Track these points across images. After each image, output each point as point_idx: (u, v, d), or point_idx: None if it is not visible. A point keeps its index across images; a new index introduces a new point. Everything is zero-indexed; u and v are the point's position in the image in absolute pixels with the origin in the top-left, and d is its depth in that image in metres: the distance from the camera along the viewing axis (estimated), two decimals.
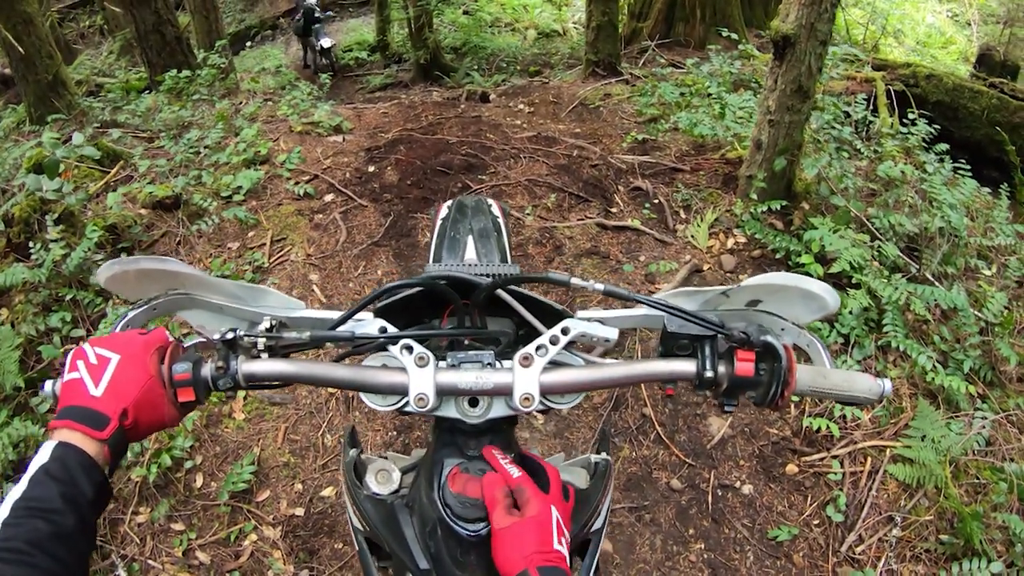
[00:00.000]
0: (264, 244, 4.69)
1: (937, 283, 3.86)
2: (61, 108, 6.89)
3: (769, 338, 1.10)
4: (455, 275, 1.25)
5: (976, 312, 3.70)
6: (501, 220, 2.01)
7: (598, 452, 1.50)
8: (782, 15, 4.15)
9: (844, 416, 3.44)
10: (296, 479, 3.34)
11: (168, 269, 1.17)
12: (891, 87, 6.48)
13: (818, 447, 3.37)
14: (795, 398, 1.12)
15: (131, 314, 1.21)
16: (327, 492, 3.28)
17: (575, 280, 1.16)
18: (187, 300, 1.23)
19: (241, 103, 7.23)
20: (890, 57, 9.24)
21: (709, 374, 1.13)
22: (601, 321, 1.19)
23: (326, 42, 11.25)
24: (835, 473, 3.24)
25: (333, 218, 4.96)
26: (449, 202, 2.07)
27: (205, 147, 5.67)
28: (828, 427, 3.33)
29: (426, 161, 5.65)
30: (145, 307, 1.22)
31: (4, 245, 4.12)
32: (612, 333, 1.18)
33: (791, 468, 3.29)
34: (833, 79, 6.30)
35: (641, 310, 1.21)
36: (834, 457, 3.31)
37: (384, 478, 1.31)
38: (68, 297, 3.91)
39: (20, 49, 6.63)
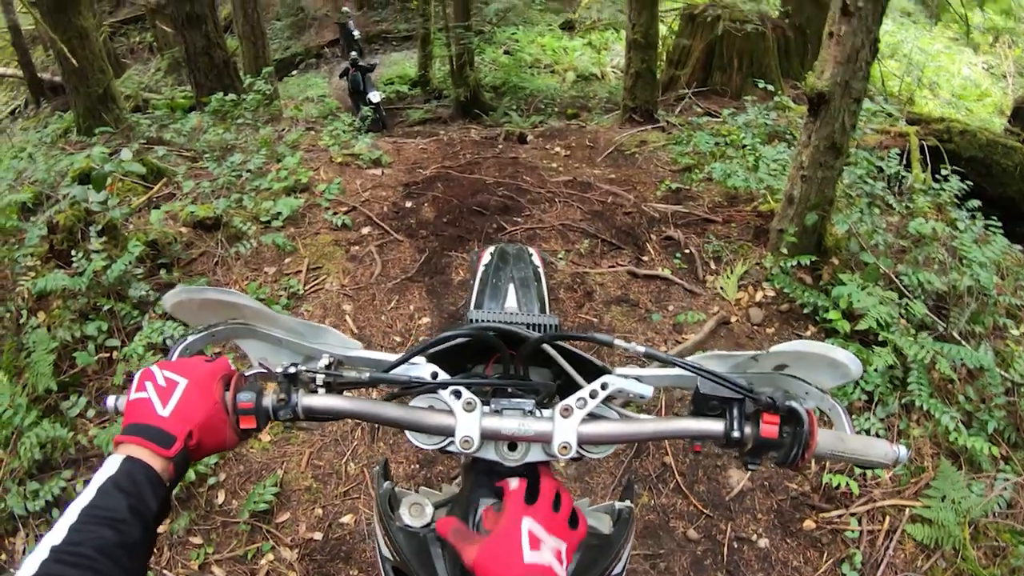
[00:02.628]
0: (300, 271, 4.82)
1: (964, 342, 3.87)
2: (109, 121, 7.12)
3: (793, 403, 1.17)
4: (505, 328, 1.31)
5: (1002, 372, 3.70)
6: (541, 269, 2.09)
7: (622, 500, 1.57)
8: (817, 72, 4.19)
9: (864, 474, 3.45)
10: (317, 504, 3.41)
11: (231, 300, 1.24)
12: (924, 142, 6.50)
13: (837, 504, 3.39)
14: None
15: (191, 339, 1.28)
16: (347, 519, 3.34)
17: (618, 341, 1.24)
18: (245, 330, 1.30)
19: (284, 130, 7.42)
20: (925, 110, 9.27)
21: (736, 434, 1.20)
22: (638, 378, 1.26)
23: (375, 96, 10.91)
24: (852, 531, 3.25)
25: (369, 251, 5.09)
26: (491, 248, 2.15)
27: (247, 171, 5.84)
28: (848, 484, 3.36)
29: (462, 200, 5.77)
30: (204, 333, 1.29)
31: (47, 250, 4.25)
32: (647, 390, 1.25)
33: (808, 524, 3.31)
34: (867, 134, 6.35)
35: (676, 371, 1.27)
36: (852, 514, 3.32)
37: (417, 511, 1.37)
38: (105, 307, 4.01)
39: (74, 62, 6.84)
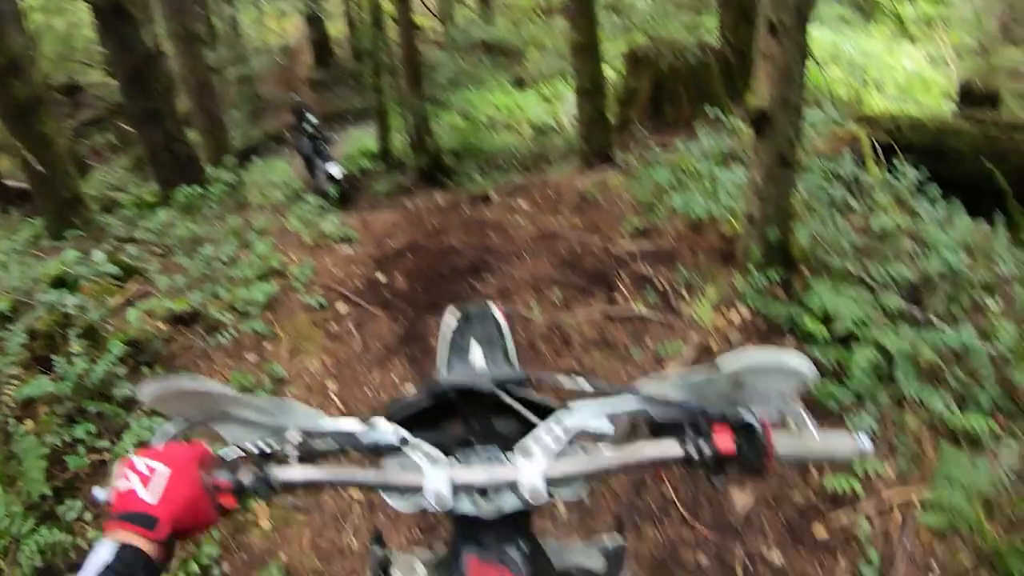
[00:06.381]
0: (282, 355, 4.87)
1: (944, 325, 3.90)
2: (79, 224, 7.20)
3: (743, 415, 1.22)
4: (459, 383, 1.38)
5: (988, 347, 3.73)
6: (504, 325, 2.13)
7: (612, 534, 1.59)
8: (755, 91, 4.30)
9: (866, 471, 3.46)
10: None
11: (203, 389, 1.30)
12: (875, 140, 6.59)
13: (844, 505, 3.39)
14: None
15: (170, 428, 1.34)
16: None
17: (561, 378, 1.31)
18: (220, 415, 1.35)
19: (251, 217, 7.48)
20: (874, 107, 9.41)
21: (694, 454, 1.22)
22: (592, 415, 1.30)
23: (336, 171, 10.71)
24: (864, 529, 3.25)
25: (347, 327, 5.15)
26: (455, 311, 2.20)
27: (220, 261, 5.90)
28: (851, 484, 3.36)
29: (433, 267, 5.84)
30: (181, 422, 1.35)
31: (29, 357, 4.25)
32: (606, 425, 1.30)
33: (819, 530, 3.30)
34: (819, 141, 6.44)
35: (629, 401, 1.32)
36: (861, 513, 3.32)
37: (408, 572, 1.42)
38: (92, 410, 4.01)
39: (40, 168, 6.97)
